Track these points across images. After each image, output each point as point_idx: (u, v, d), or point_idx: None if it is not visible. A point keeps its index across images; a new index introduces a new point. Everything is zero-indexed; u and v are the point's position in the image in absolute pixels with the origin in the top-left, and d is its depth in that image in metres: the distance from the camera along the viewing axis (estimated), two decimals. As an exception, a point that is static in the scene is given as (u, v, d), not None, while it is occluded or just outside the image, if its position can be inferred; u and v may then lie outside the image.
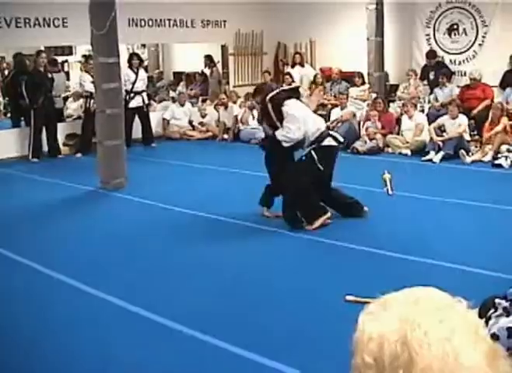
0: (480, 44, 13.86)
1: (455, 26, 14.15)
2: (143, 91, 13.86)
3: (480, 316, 1.73)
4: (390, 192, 8.89)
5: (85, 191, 9.80)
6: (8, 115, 15.12)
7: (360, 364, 1.19)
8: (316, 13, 15.46)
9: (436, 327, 1.15)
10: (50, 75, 12.90)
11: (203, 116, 15.05)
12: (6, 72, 17.25)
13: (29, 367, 4.36)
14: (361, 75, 14.25)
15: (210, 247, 6.94)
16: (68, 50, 18.37)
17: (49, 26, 12.91)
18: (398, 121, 12.79)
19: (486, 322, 2.76)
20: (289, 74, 15.22)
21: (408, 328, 1.15)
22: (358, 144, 12.23)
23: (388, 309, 1.21)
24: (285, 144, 7.33)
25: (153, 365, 4.33)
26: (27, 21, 12.56)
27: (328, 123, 13.34)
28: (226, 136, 14.38)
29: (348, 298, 5.20)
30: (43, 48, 13.94)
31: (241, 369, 4.29)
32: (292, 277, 5.95)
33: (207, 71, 16.68)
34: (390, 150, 12.29)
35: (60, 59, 16.73)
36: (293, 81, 14.99)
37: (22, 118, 13.19)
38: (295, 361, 4.27)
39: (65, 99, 14.85)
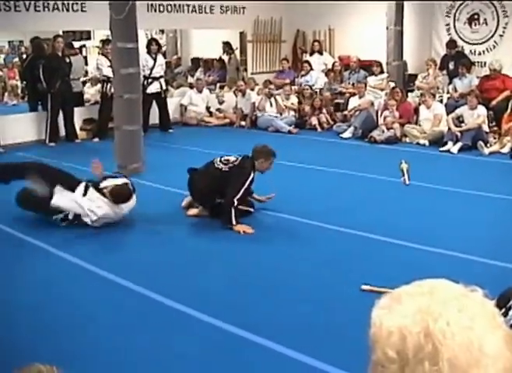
0: (501, 35, 13.77)
1: (476, 16, 14.06)
2: (161, 77, 13.84)
3: (499, 307, 1.72)
4: (407, 182, 8.86)
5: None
6: (26, 99, 15.19)
7: (382, 358, 1.18)
8: (335, 1, 15.39)
9: (457, 316, 1.15)
10: (68, 60, 12.92)
11: (221, 103, 15.05)
12: (24, 56, 17.33)
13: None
14: (379, 64, 14.21)
15: (226, 234, 6.95)
16: (87, 35, 18.44)
17: (68, 10, 12.89)
18: (416, 111, 12.72)
19: (506, 313, 2.75)
20: (307, 62, 15.20)
21: (429, 318, 1.15)
22: (375, 134, 12.18)
23: (404, 302, 1.20)
24: None
25: (170, 352, 4.35)
26: (46, 5, 12.56)
27: (346, 112, 13.38)
28: (243, 123, 14.35)
29: (364, 287, 5.18)
30: (61, 33, 13.99)
31: (266, 360, 4.30)
32: (310, 266, 5.95)
33: (225, 58, 16.67)
34: (407, 140, 12.23)
35: (78, 44, 16.78)
36: (312, 69, 14.99)
37: (40, 102, 13.22)
38: (311, 350, 4.28)
39: (84, 83, 14.87)
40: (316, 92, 14.49)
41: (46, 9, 12.58)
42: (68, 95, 12.81)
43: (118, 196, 7.01)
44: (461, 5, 14.18)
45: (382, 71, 14.14)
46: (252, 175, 7.22)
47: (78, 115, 13.42)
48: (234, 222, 6.97)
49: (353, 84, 14.34)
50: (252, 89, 14.81)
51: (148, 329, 4.71)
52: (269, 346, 4.37)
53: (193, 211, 7.72)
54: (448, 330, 1.13)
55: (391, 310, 1.21)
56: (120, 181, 7.18)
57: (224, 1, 15.30)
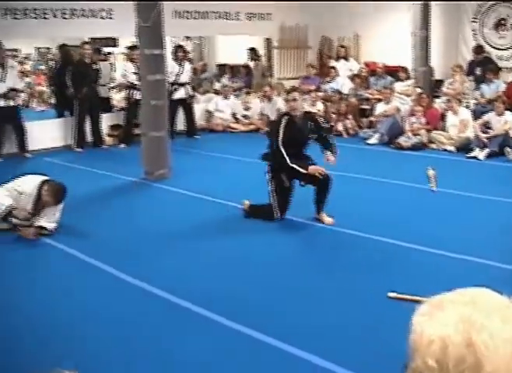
0: (528, 40, 13.70)
1: (502, 21, 13.97)
2: (187, 83, 13.90)
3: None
4: (434, 188, 8.81)
5: (128, 181, 9.86)
6: (54, 105, 15.29)
7: (422, 366, 1.17)
8: (361, 7, 15.37)
9: (500, 328, 1.13)
10: (95, 66, 13.00)
11: (246, 109, 15.05)
12: (52, 63, 17.45)
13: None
14: (406, 70, 14.15)
15: (250, 238, 6.95)
16: (113, 42, 18.51)
17: (95, 17, 12.99)
18: (443, 117, 12.66)
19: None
20: (333, 67, 15.18)
21: (472, 329, 1.13)
22: (402, 140, 12.14)
23: (445, 310, 1.19)
24: None
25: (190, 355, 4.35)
26: (73, 12, 12.66)
27: (372, 118, 13.34)
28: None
29: (391, 294, 5.15)
30: (87, 40, 14.09)
31: (282, 363, 4.28)
32: (337, 272, 5.93)
33: (251, 64, 16.69)
34: (434, 146, 12.17)
35: (105, 50, 16.85)
36: (337, 74, 14.96)
37: (67, 108, 13.31)
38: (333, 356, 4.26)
39: (111, 89, 14.96)
40: (344, 96, 14.41)
41: (73, 16, 12.68)
42: (94, 101, 12.92)
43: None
44: (487, 10, 14.10)
45: (408, 77, 14.08)
46: (285, 118, 7.30)
47: (105, 121, 13.51)
48: (288, 161, 7.04)
49: (379, 90, 14.30)
50: (278, 95, 14.80)
51: (173, 334, 4.71)
52: (294, 352, 4.35)
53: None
54: (491, 343, 1.12)
55: (431, 317, 1.20)
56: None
57: (251, 1, 15.27)
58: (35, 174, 7.37)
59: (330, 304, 5.18)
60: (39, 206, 7.06)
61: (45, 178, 7.20)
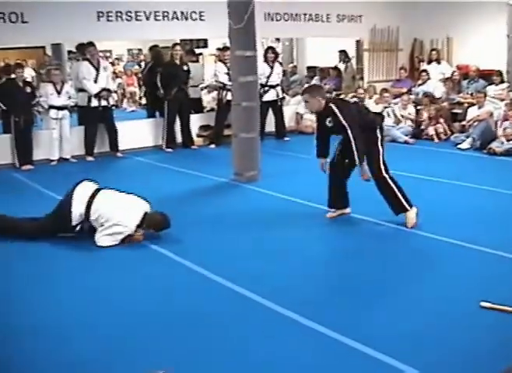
0: None
1: None
2: (278, 85, 13.92)
3: None
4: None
5: (219, 182, 9.91)
6: (144, 105, 15.55)
7: None
8: (454, 9, 15.11)
9: None
10: (186, 67, 13.13)
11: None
12: (143, 64, 17.71)
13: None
14: (500, 73, 13.87)
15: (343, 243, 6.91)
16: (203, 43, 18.70)
17: (186, 19, 13.13)
18: (539, 122, 12.35)
19: None
20: (425, 71, 14.99)
21: None
22: (494, 145, 11.86)
23: None
24: None
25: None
26: (165, 14, 12.82)
27: (464, 122, 13.11)
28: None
29: (484, 304, 5.02)
30: (179, 41, 14.26)
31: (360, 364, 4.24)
32: (427, 279, 5.83)
33: (341, 66, 16.61)
34: (529, 152, 11.89)
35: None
36: (429, 78, 14.76)
37: (158, 108, 13.50)
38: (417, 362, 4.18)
39: (201, 90, 15.10)
40: (436, 100, 14.20)
41: (165, 18, 12.85)
42: (184, 102, 13.05)
43: None
44: None
45: (502, 81, 13.79)
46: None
47: (195, 122, 13.64)
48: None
49: (472, 94, 14.03)
50: (370, 98, 14.71)
51: (250, 332, 4.73)
52: (379, 357, 4.29)
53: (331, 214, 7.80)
54: None
55: None
56: None
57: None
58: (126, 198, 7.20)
59: (415, 309, 5.09)
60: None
61: (143, 212, 6.99)
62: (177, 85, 12.84)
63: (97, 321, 5.01)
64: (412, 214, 7.32)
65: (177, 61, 12.96)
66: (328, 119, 7.28)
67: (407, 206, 7.32)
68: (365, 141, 7.18)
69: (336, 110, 7.17)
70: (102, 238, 6.83)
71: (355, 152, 7.11)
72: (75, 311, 5.20)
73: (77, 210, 6.90)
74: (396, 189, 7.32)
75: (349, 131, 7.08)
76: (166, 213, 7.03)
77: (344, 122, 7.11)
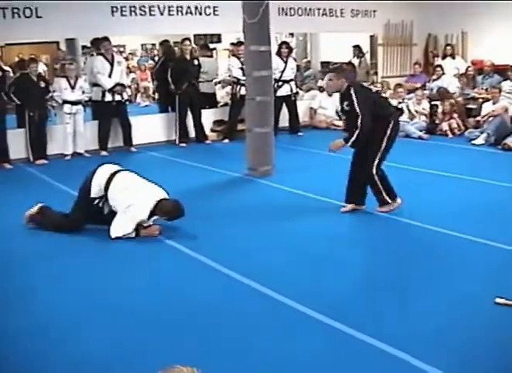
0: None
1: None
2: (291, 80, 13.90)
3: None
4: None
5: (233, 177, 9.91)
6: (157, 100, 15.57)
7: None
8: (468, 4, 15.02)
9: None
10: (196, 62, 13.13)
11: (350, 106, 14.95)
12: (157, 59, 17.72)
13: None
14: (516, 69, 13.80)
15: (361, 239, 6.89)
16: (217, 38, 18.71)
17: (200, 14, 13.12)
18: (554, 118, 12.29)
19: None
20: (440, 66, 14.93)
21: None
22: (509, 141, 11.78)
23: None
24: None
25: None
26: (179, 9, 12.82)
27: (479, 118, 13.04)
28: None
29: (499, 300, 5.00)
30: (192, 36, 14.26)
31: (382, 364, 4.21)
32: (443, 276, 5.81)
33: (355, 62, 16.57)
34: (544, 148, 11.82)
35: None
36: (444, 73, 14.70)
37: (169, 103, 13.52)
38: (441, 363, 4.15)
39: (215, 85, 15.09)
40: (451, 94, 14.14)
41: (179, 13, 12.84)
42: (195, 97, 13.05)
43: None
44: None
45: (518, 76, 13.74)
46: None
47: (209, 116, 13.65)
48: None
49: (487, 89, 13.97)
50: (384, 93, 14.66)
51: (270, 330, 4.70)
52: (396, 354, 4.28)
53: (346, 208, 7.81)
54: None
55: None
56: None
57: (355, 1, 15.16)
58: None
59: (431, 305, 5.08)
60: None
61: (158, 198, 6.97)
62: (188, 79, 12.84)
63: (110, 316, 5.02)
64: (390, 207, 7.65)
65: (187, 56, 12.95)
66: (346, 102, 7.33)
67: (389, 200, 7.63)
68: (371, 133, 7.26)
69: (353, 94, 7.23)
70: (114, 229, 6.86)
71: (353, 137, 7.25)
72: (88, 308, 5.23)
73: (96, 182, 7.03)
74: (381, 186, 7.58)
75: (359, 118, 7.14)
76: (180, 201, 7.02)
77: (356, 107, 7.17)
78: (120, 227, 6.86)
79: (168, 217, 7.03)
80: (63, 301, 5.33)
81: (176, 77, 12.76)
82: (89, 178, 7.12)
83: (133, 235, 6.87)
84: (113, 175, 7.04)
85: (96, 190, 7.03)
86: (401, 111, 8.25)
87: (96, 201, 7.08)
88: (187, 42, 13.14)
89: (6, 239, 7.09)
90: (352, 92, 7.24)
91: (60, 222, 7.29)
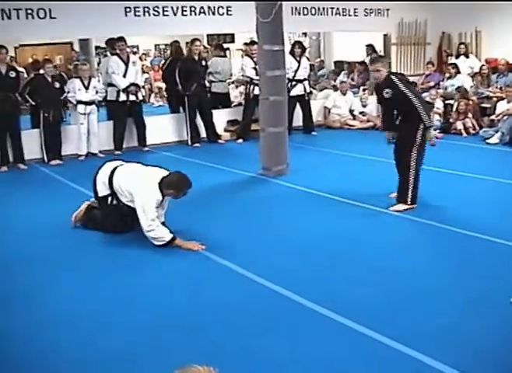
0: None
1: None
2: (305, 79, 13.89)
3: None
4: None
5: (247, 177, 9.91)
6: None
7: None
8: (482, 2, 14.97)
9: None
10: (204, 63, 13.13)
11: (364, 106, 14.94)
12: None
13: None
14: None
15: (383, 242, 6.85)
16: (230, 38, 18.72)
17: (214, 14, 13.14)
18: None
19: None
20: (454, 64, 14.86)
21: None
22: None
23: None
24: None
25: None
26: (193, 9, 12.84)
27: (493, 117, 12.99)
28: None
29: (516, 300, 4.99)
30: (205, 36, 14.29)
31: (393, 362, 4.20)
32: (459, 276, 5.79)
33: (368, 61, 16.54)
34: (558, 147, 11.76)
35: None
36: (458, 72, 14.64)
37: (179, 104, 13.55)
38: (453, 361, 4.13)
39: (229, 85, 15.10)
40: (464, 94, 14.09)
41: (193, 13, 12.86)
42: (204, 98, 13.06)
43: None
44: None
45: (532, 75, 13.68)
46: None
47: (223, 116, 13.66)
48: None
49: (501, 88, 13.91)
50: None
51: (290, 333, 4.67)
52: (412, 354, 4.26)
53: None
54: None
55: None
56: None
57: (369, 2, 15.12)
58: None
59: (450, 305, 5.06)
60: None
61: (160, 176, 6.79)
62: (196, 80, 12.83)
63: (127, 315, 5.05)
64: (403, 207, 7.69)
65: (196, 57, 12.94)
66: (386, 90, 7.48)
67: (408, 200, 7.67)
68: (406, 127, 7.57)
69: (398, 82, 7.49)
70: (147, 233, 6.64)
71: (422, 115, 7.41)
72: (105, 307, 5.25)
73: (100, 180, 7.08)
74: (411, 182, 7.64)
75: (414, 101, 7.39)
76: (182, 172, 6.91)
77: (408, 92, 7.42)
78: (145, 223, 6.60)
79: (176, 193, 6.77)
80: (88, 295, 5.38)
81: (184, 78, 12.75)
82: (94, 179, 7.18)
83: (168, 238, 6.59)
84: (114, 170, 7.05)
85: (101, 188, 7.07)
86: (432, 105, 8.48)
87: (109, 200, 7.08)
88: (198, 42, 13.11)
89: (24, 239, 7.11)
90: (395, 79, 7.52)
91: (102, 226, 7.25)
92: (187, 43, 14.90)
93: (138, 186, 6.76)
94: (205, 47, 16.38)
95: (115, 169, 7.07)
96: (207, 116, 13.17)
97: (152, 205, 6.59)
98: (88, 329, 4.81)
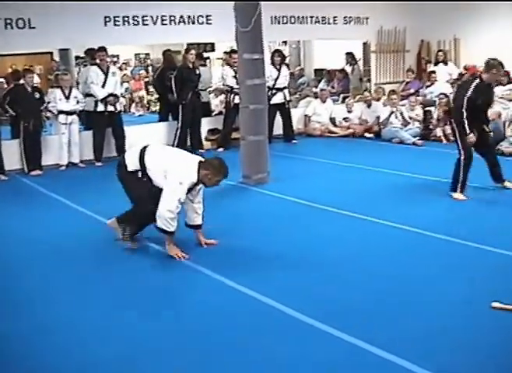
0: None
1: None
2: (285, 87, 13.93)
3: None
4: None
5: (226, 185, 9.84)
6: (156, 109, 15.58)
7: None
8: (461, 10, 15.12)
9: None
10: (197, 71, 13.14)
11: (349, 112, 14.95)
12: (150, 69, 17.74)
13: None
14: (508, 74, 13.80)
15: (352, 245, 6.88)
16: (210, 47, 18.74)
17: (193, 23, 13.19)
18: (548, 122, 12.31)
19: None
20: (434, 72, 14.97)
21: None
22: (503, 146, 11.81)
23: None
24: None
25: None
26: (172, 18, 12.88)
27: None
28: (367, 134, 14.28)
29: (495, 304, 5.00)
30: (185, 45, 14.30)
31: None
32: (445, 281, 5.81)
33: (348, 69, 16.62)
34: (538, 152, 11.81)
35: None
36: (436, 80, 14.74)
37: (170, 113, 13.53)
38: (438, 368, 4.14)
39: (209, 93, 15.11)
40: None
41: (172, 22, 12.90)
42: (197, 106, 13.06)
43: None
44: None
45: (510, 81, 13.75)
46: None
47: (204, 125, 13.66)
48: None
49: (480, 94, 13.99)
50: (378, 100, 14.72)
51: (272, 341, 4.66)
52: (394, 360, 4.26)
53: None
54: None
55: None
56: None
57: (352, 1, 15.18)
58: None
59: (428, 309, 5.08)
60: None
61: (197, 159, 6.64)
62: (191, 89, 12.85)
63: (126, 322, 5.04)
64: (457, 195, 8.64)
65: (190, 65, 12.96)
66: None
67: (458, 189, 8.67)
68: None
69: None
70: (161, 207, 6.39)
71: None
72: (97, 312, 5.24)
73: (129, 160, 6.78)
74: (462, 175, 8.66)
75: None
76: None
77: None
78: (170, 202, 6.36)
79: (213, 175, 6.52)
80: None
81: (179, 86, 12.72)
82: (120, 161, 6.90)
83: (172, 228, 6.48)
84: (144, 148, 6.74)
85: (132, 163, 6.73)
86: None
87: (139, 174, 6.72)
88: (193, 51, 13.10)
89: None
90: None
91: (139, 216, 6.86)
92: (172, 51, 14.89)
93: (177, 162, 6.57)
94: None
95: (145, 147, 6.77)
96: (197, 124, 13.19)
97: (184, 185, 6.37)
98: (87, 333, 4.82)
